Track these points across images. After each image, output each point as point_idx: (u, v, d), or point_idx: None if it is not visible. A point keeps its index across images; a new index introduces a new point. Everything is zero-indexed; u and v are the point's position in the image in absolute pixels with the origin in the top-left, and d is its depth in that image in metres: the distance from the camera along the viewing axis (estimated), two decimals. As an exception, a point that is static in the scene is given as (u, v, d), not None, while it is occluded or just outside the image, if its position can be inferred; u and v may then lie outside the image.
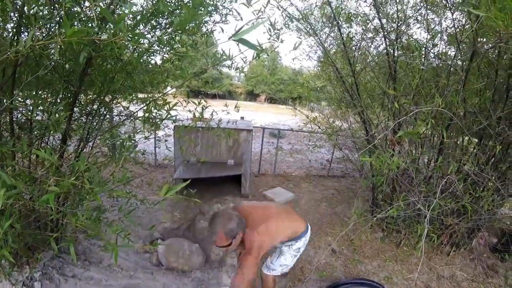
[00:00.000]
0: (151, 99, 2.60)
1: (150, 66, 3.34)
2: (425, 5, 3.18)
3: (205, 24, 3.13)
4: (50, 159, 1.30)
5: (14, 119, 2.40)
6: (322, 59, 4.94)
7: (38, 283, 2.14)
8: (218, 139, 5.37)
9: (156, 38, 2.82)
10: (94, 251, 3.02)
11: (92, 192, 1.49)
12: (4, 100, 2.06)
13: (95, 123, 3.10)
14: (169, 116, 2.43)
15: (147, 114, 2.39)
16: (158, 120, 2.52)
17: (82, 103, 2.90)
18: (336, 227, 4.22)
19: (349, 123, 4.85)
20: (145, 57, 3.13)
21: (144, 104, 2.59)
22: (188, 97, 2.82)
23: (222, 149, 5.58)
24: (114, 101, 3.08)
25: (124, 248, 3.28)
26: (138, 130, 3.35)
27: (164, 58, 3.11)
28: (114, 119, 4.99)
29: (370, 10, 3.81)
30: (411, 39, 3.35)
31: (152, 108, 2.39)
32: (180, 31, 2.71)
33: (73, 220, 1.72)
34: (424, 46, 3.11)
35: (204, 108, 2.73)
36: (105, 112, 3.19)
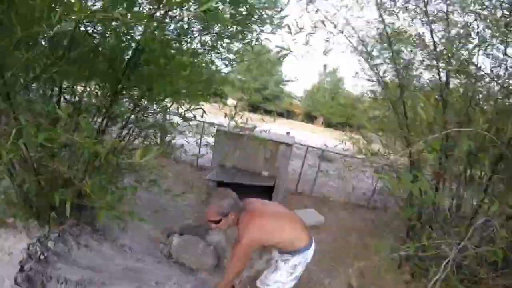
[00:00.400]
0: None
1: (207, 69, 3.49)
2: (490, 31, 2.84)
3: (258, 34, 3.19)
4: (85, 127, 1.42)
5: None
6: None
7: (51, 243, 2.31)
8: (256, 149, 5.38)
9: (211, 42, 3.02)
10: (112, 229, 3.18)
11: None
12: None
13: (140, 115, 3.29)
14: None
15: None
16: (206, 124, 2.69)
17: (132, 96, 3.09)
18: (362, 261, 3.87)
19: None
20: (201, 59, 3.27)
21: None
22: (247, 110, 2.94)
23: (259, 160, 5.57)
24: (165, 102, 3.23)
25: (139, 233, 3.41)
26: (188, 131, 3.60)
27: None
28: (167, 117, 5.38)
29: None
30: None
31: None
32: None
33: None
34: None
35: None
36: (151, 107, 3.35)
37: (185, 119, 3.21)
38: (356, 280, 3.35)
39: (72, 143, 2.15)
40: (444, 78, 3.14)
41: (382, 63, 4.07)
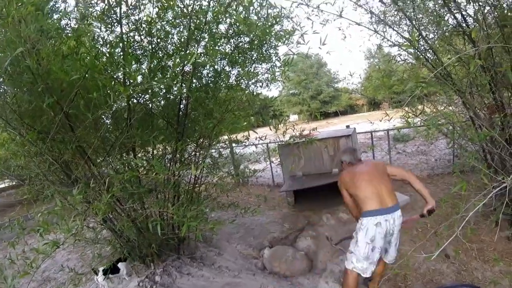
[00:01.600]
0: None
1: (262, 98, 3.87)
2: None
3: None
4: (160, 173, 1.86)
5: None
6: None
7: (158, 277, 2.79)
8: (319, 150, 5.50)
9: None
10: (209, 256, 3.61)
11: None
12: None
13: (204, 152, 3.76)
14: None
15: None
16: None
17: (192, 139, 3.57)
18: (456, 229, 3.58)
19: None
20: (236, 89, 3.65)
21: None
22: (309, 120, 3.28)
23: (324, 160, 5.63)
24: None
25: (233, 254, 3.78)
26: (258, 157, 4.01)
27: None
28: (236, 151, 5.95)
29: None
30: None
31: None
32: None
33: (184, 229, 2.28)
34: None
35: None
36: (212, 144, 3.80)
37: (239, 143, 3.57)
38: (452, 250, 3.15)
39: (156, 185, 2.66)
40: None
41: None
